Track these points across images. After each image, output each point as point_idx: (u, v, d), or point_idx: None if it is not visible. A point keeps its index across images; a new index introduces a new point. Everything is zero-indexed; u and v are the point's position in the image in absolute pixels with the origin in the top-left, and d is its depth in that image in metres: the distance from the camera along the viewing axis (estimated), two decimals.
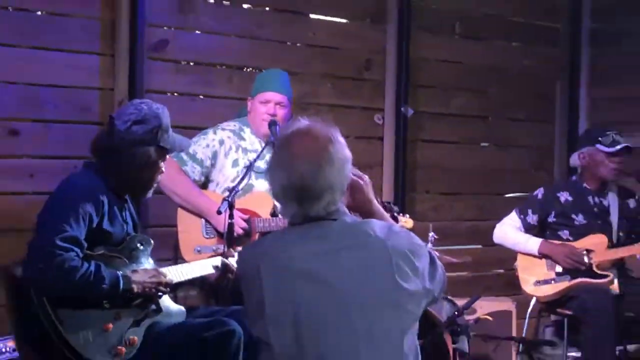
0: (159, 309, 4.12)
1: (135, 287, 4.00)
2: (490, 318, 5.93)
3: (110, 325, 3.96)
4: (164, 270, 4.20)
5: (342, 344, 2.90)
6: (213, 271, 4.34)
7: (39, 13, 5.59)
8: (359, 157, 7.08)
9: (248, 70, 6.36)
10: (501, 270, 6.57)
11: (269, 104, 5.42)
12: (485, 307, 6.28)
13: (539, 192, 6.22)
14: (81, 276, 3.88)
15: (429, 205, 7.31)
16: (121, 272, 4.00)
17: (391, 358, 2.95)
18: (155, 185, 4.36)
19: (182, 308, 4.29)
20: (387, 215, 3.35)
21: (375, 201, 3.31)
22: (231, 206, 4.69)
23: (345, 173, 3.02)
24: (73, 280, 3.86)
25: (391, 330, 2.95)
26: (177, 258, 5.24)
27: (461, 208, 7.46)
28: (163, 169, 4.33)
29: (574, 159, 6.24)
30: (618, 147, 5.99)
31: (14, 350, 4.42)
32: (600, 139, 6.04)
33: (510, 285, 6.26)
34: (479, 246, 7.03)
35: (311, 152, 2.97)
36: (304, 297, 2.92)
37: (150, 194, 4.41)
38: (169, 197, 5.24)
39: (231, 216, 4.72)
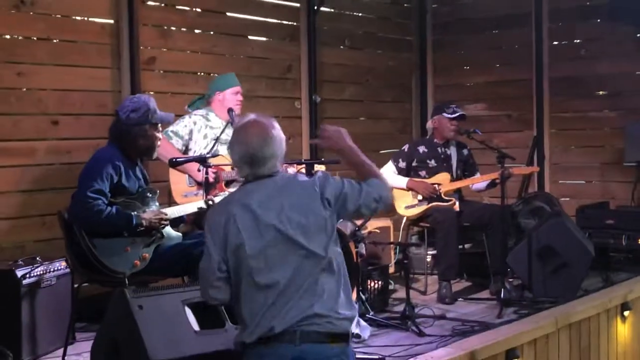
0: (162, 236, 4.11)
1: (144, 222, 4.00)
2: (378, 231, 6.00)
3: (129, 248, 3.96)
4: (165, 210, 4.19)
5: (290, 257, 2.91)
6: (196, 210, 4.32)
7: (70, 42, 5.45)
8: (285, 130, 7.17)
9: (210, 75, 6.30)
10: None
11: (238, 93, 5.46)
12: (373, 224, 6.36)
13: (405, 147, 6.24)
14: (106, 216, 3.88)
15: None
16: (134, 213, 3.99)
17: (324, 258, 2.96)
18: (155, 149, 4.32)
19: (179, 233, 4.27)
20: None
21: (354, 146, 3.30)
22: (206, 165, 4.66)
23: (282, 147, 3.07)
24: (100, 219, 3.86)
25: (322, 239, 2.97)
26: (170, 201, 5.21)
27: None
28: (159, 136, 4.30)
29: (429, 124, 6.28)
30: (456, 114, 6.08)
31: (66, 267, 4.38)
32: (445, 109, 6.10)
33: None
34: None
35: (260, 133, 3.01)
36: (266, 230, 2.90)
37: (154, 156, 4.38)
38: (162, 161, 5.18)
39: (206, 172, 4.71)
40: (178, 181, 5.24)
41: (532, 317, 4.92)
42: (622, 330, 5.58)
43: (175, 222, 4.29)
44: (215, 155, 4.80)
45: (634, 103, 7.25)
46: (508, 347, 4.42)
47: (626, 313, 5.55)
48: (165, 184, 5.29)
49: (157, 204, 4.24)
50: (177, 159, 4.61)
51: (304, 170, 4.98)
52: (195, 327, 3.25)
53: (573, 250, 5.59)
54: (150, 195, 4.20)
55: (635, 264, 6.42)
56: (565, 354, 4.98)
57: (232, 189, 5.34)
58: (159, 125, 4.30)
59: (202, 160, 4.38)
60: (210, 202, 4.20)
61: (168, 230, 4.17)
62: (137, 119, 4.16)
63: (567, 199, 7.45)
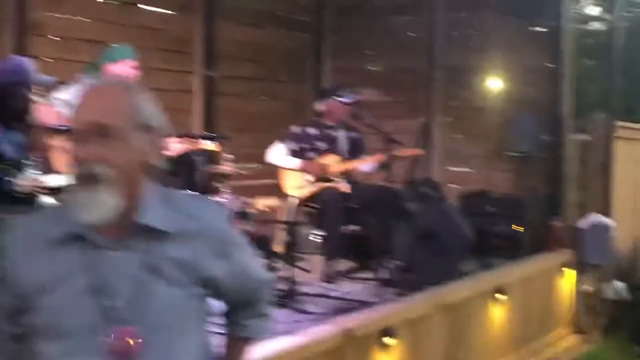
0: (39, 205, 4.00)
1: (18, 189, 3.88)
2: (269, 210, 6.03)
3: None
4: (42, 178, 4.07)
5: None
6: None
7: None
8: (176, 104, 7.15)
9: (99, 43, 6.15)
10: (273, 181, 6.62)
11: (131, 67, 5.34)
12: (264, 204, 6.40)
13: (295, 128, 6.26)
14: None
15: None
16: (8, 179, 3.87)
17: None
18: (29, 113, 4.17)
19: (57, 203, 4.14)
20: None
21: None
22: None
23: None
24: None
25: None
26: (52, 172, 5.06)
27: (246, 139, 7.48)
28: (35, 99, 4.15)
29: (320, 106, 6.29)
30: (351, 99, 6.15)
31: None
32: (339, 93, 6.17)
33: (278, 190, 6.33)
34: (259, 165, 7.07)
35: None
36: None
37: (29, 120, 4.23)
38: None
39: None
40: (63, 151, 5.12)
41: (409, 298, 5.07)
42: (496, 313, 5.82)
43: (54, 192, 4.18)
44: None
45: (519, 95, 7.51)
46: (384, 326, 4.54)
47: (500, 297, 5.79)
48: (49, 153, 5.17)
49: (35, 172, 4.12)
50: (60, 127, 4.49)
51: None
52: None
53: (453, 235, 5.78)
54: (28, 162, 4.08)
55: (511, 250, 6.67)
56: (440, 335, 5.16)
57: None
58: (37, 88, 4.15)
59: None
60: None
61: (46, 199, 4.07)
62: (8, 78, 4.03)
63: (453, 185, 7.67)
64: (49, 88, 4.46)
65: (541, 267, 6.56)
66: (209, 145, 5.36)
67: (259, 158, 7.10)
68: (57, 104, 5.12)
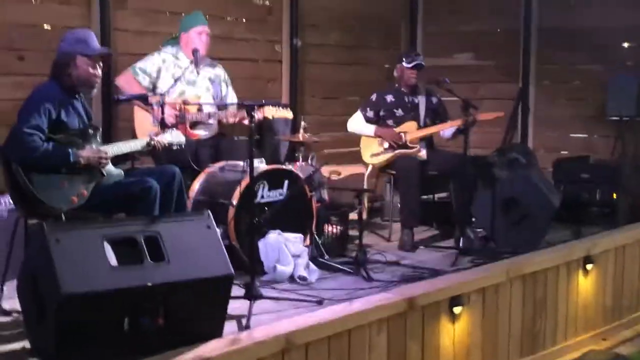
0: (101, 174, 4.08)
1: (82, 160, 3.95)
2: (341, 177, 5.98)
3: (66, 184, 3.92)
4: (105, 147, 4.14)
5: None
6: (140, 148, 4.30)
7: None
8: (264, 74, 7.15)
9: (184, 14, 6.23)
10: (356, 148, 6.55)
11: (202, 34, 5.41)
12: (346, 170, 6.36)
13: (373, 96, 6.13)
14: (41, 152, 3.86)
15: (313, 106, 7.32)
16: (72, 150, 3.96)
17: None
18: (93, 84, 4.21)
19: (121, 171, 4.22)
20: None
21: None
22: (162, 105, 4.64)
23: None
24: (34, 155, 3.83)
25: None
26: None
27: (335, 107, 7.44)
28: (95, 71, 4.17)
29: (395, 72, 6.18)
30: (414, 63, 5.98)
31: (10, 203, 4.36)
32: (404, 58, 6.04)
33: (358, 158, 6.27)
34: (343, 133, 7.03)
35: None
36: None
37: (93, 92, 4.28)
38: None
39: (162, 112, 4.71)
40: (143, 120, 5.23)
41: (483, 266, 4.90)
42: (584, 283, 5.55)
43: (120, 159, 4.26)
44: (160, 94, 4.73)
45: (618, 57, 7.11)
46: (452, 294, 4.41)
47: (589, 266, 5.51)
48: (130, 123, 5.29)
49: (99, 141, 4.20)
50: (120, 98, 4.58)
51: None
52: (113, 262, 3.25)
53: (536, 202, 5.54)
54: (92, 132, 4.15)
55: (607, 219, 6.34)
56: (517, 305, 4.96)
57: (198, 131, 5.34)
58: (96, 59, 4.19)
59: (144, 98, 4.32)
60: (152, 141, 4.19)
61: (109, 167, 4.14)
62: (65, 48, 4.10)
63: (550, 152, 7.38)
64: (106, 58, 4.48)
65: (638, 237, 6.18)
66: (284, 113, 5.33)
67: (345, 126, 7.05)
68: (137, 73, 5.25)
